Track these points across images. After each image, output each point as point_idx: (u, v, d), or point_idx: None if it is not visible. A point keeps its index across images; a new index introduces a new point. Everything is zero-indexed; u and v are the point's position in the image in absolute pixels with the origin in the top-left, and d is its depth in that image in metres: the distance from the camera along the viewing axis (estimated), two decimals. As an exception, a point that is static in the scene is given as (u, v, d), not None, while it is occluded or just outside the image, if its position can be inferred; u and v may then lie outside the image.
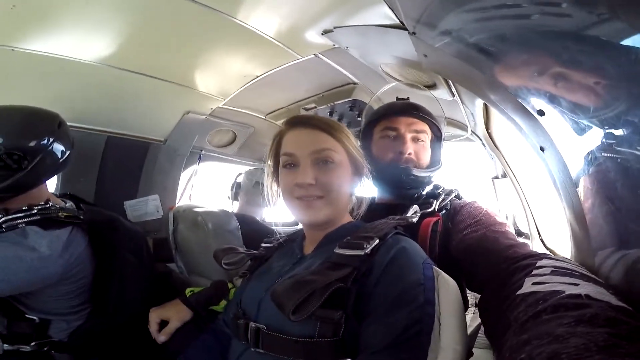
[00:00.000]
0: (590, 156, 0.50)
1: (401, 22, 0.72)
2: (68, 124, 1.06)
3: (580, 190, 0.57)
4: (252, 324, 0.64)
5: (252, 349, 0.63)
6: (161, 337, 0.89)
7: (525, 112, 0.62)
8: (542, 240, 1.40)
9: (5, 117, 0.96)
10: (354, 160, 0.73)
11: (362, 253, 0.61)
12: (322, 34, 0.98)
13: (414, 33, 0.71)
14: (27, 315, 0.93)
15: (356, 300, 0.58)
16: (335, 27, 0.92)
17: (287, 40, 1.09)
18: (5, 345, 0.89)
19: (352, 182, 0.74)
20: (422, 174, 0.87)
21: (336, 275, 0.57)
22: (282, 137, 0.74)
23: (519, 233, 1.63)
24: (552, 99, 0.50)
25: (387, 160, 0.88)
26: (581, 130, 0.52)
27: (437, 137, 0.93)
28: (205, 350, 0.81)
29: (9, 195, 0.95)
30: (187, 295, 0.99)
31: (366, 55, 1.05)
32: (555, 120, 0.58)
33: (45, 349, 0.94)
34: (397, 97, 0.99)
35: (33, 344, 0.92)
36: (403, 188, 0.88)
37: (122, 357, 1.06)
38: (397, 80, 1.12)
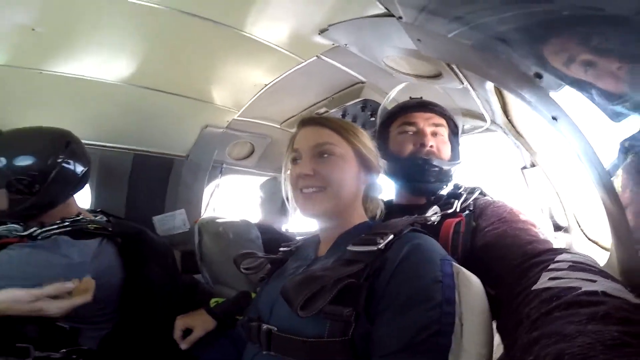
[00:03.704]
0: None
1: (386, 8, 0.71)
2: (96, 143, 1.12)
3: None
4: (264, 326, 0.63)
5: (264, 352, 0.62)
6: (184, 345, 0.91)
7: (527, 82, 0.58)
8: (582, 232, 1.27)
9: (11, 141, 0.97)
10: (363, 157, 0.73)
11: (375, 248, 0.59)
12: (319, 33, 0.99)
13: (400, 18, 0.69)
14: (57, 323, 0.96)
15: (367, 298, 0.55)
16: (329, 25, 0.93)
17: (288, 45, 1.12)
18: (36, 352, 0.92)
19: (359, 179, 0.73)
20: (444, 165, 0.85)
21: (347, 271, 0.56)
22: (295, 138, 0.76)
23: (558, 227, 1.50)
24: (545, 63, 0.46)
25: (407, 154, 0.86)
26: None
27: (454, 132, 0.92)
28: (220, 354, 0.83)
29: (35, 215, 0.99)
30: (212, 306, 1.01)
31: (366, 50, 1.04)
32: (560, 86, 0.53)
33: (74, 356, 0.97)
34: (410, 97, 0.99)
35: (63, 350, 0.95)
36: (425, 181, 0.85)
37: None
38: (402, 73, 1.10)
